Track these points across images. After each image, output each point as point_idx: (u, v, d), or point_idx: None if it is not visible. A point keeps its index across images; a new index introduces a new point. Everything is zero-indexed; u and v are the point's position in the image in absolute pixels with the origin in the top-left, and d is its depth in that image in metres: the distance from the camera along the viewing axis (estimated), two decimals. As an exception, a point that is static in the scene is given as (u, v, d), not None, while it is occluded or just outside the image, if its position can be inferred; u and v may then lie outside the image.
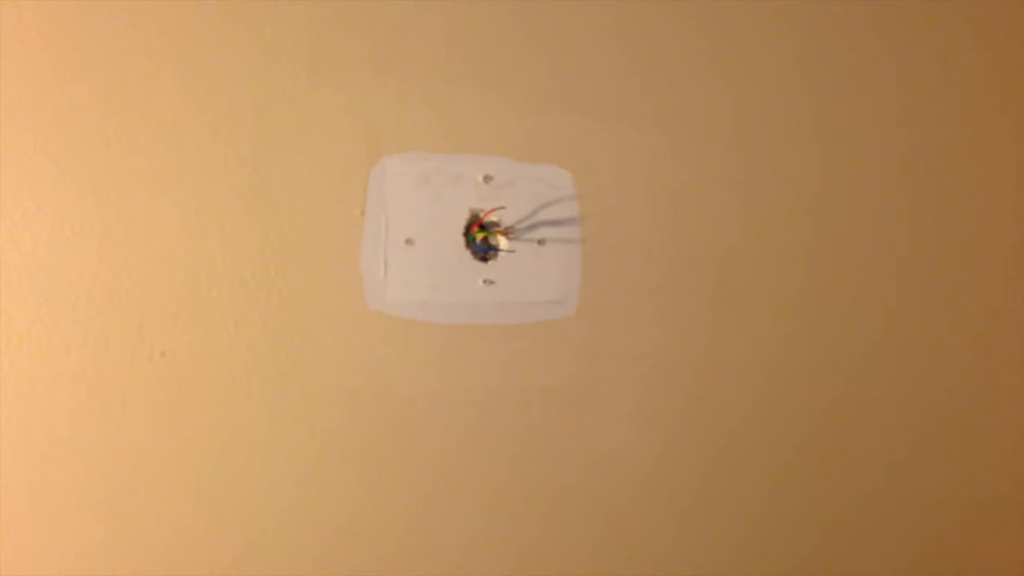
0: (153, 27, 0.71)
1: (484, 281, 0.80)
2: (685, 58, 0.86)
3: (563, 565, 0.85)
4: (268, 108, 0.74)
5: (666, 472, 0.88)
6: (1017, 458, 1.01)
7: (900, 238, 0.94)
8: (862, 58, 0.92)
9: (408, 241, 0.78)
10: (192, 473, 0.74)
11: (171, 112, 0.72)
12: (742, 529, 0.91)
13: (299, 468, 0.76)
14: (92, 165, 0.70)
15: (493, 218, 0.80)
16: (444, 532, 0.81)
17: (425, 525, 0.81)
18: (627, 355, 0.85)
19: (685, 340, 0.87)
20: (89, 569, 0.72)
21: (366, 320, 0.77)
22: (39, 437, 0.70)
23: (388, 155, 0.77)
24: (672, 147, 0.86)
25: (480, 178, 0.80)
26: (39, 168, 0.69)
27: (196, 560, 0.75)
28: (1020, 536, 1.03)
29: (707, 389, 0.88)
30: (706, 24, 0.86)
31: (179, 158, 0.72)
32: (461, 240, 0.80)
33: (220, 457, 0.74)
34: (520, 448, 0.83)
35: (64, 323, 0.70)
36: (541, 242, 0.82)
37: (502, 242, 0.81)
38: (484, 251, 0.80)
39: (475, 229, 0.79)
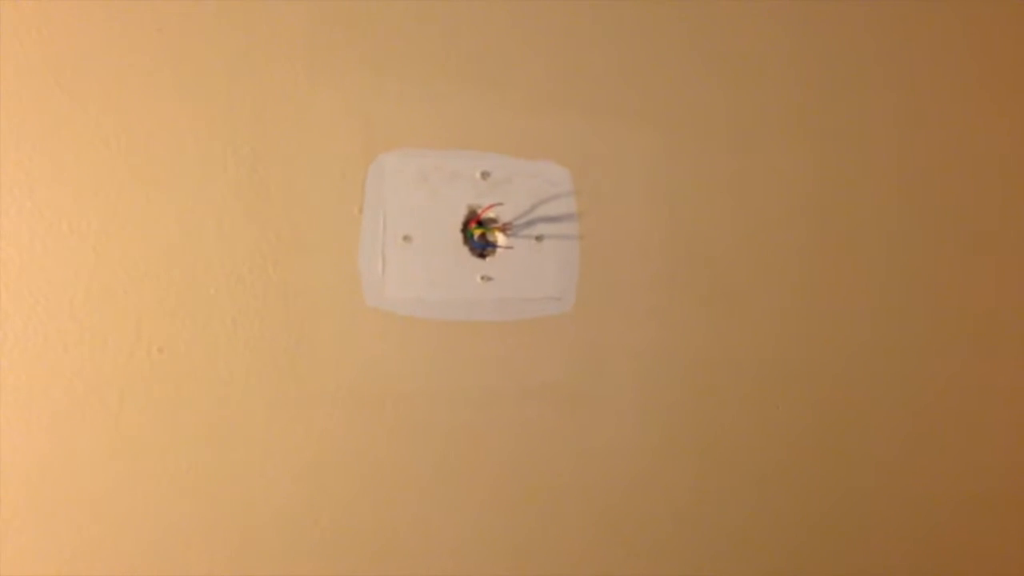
0: (151, 25, 0.71)
1: (482, 277, 0.80)
2: (683, 56, 0.86)
3: (560, 561, 0.85)
4: (266, 106, 0.74)
5: (662, 468, 0.88)
6: (1011, 455, 1.01)
7: (894, 237, 0.94)
8: (858, 58, 0.92)
9: (406, 238, 0.78)
10: (189, 470, 0.74)
11: (169, 110, 0.72)
12: (737, 525, 0.91)
13: (297, 465, 0.76)
14: (90, 162, 0.70)
15: (491, 214, 0.80)
16: (441, 528, 0.81)
17: (422, 521, 0.81)
18: (624, 351, 0.85)
19: (682, 337, 0.87)
20: (86, 566, 0.72)
21: (364, 317, 0.77)
22: (37, 434, 0.70)
23: (386, 152, 0.77)
24: (669, 145, 0.86)
25: (478, 174, 0.80)
26: (37, 166, 0.69)
27: (193, 557, 0.74)
28: (1015, 533, 1.03)
29: (703, 385, 0.88)
30: (703, 23, 0.86)
31: (177, 156, 0.72)
32: (459, 236, 0.80)
33: (218, 454, 0.74)
34: (517, 444, 0.83)
35: (61, 320, 0.70)
36: (539, 238, 0.82)
37: (500, 238, 0.81)
38: (482, 247, 0.81)
39: (473, 225, 0.80)
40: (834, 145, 0.92)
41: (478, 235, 0.80)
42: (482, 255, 0.81)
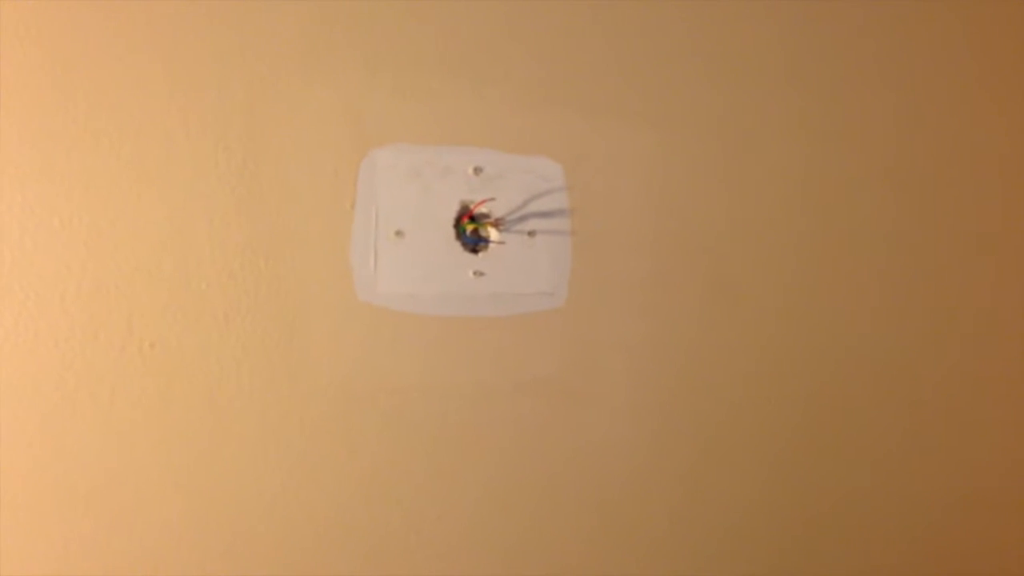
0: (141, 20, 0.71)
1: (474, 273, 0.80)
2: (676, 53, 0.86)
3: (554, 556, 0.85)
4: (257, 100, 0.74)
5: (655, 463, 0.88)
6: (1008, 452, 1.02)
7: (888, 233, 0.94)
8: (852, 56, 0.92)
9: (398, 233, 0.78)
10: (182, 465, 0.74)
11: (160, 105, 0.72)
12: (731, 519, 0.91)
13: (289, 460, 0.76)
14: (81, 158, 0.70)
15: (483, 210, 0.80)
16: (434, 524, 0.81)
17: (415, 517, 0.81)
18: (617, 346, 0.85)
19: (674, 332, 0.87)
20: (78, 561, 0.72)
21: (356, 312, 0.77)
22: (28, 430, 0.70)
23: (378, 147, 0.77)
24: (662, 141, 0.86)
25: (470, 170, 0.80)
26: (27, 161, 0.69)
27: (185, 553, 0.74)
28: (1011, 530, 1.03)
29: (696, 380, 0.88)
30: (698, 20, 0.87)
31: (168, 151, 0.72)
32: (451, 232, 0.80)
33: (210, 449, 0.74)
34: (510, 439, 0.83)
35: (53, 315, 0.70)
36: (531, 234, 0.82)
37: (492, 234, 0.81)
38: (474, 243, 0.81)
39: (465, 221, 0.80)
40: (828, 142, 0.92)
41: (471, 230, 0.80)
42: (475, 250, 0.81)
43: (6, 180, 0.69)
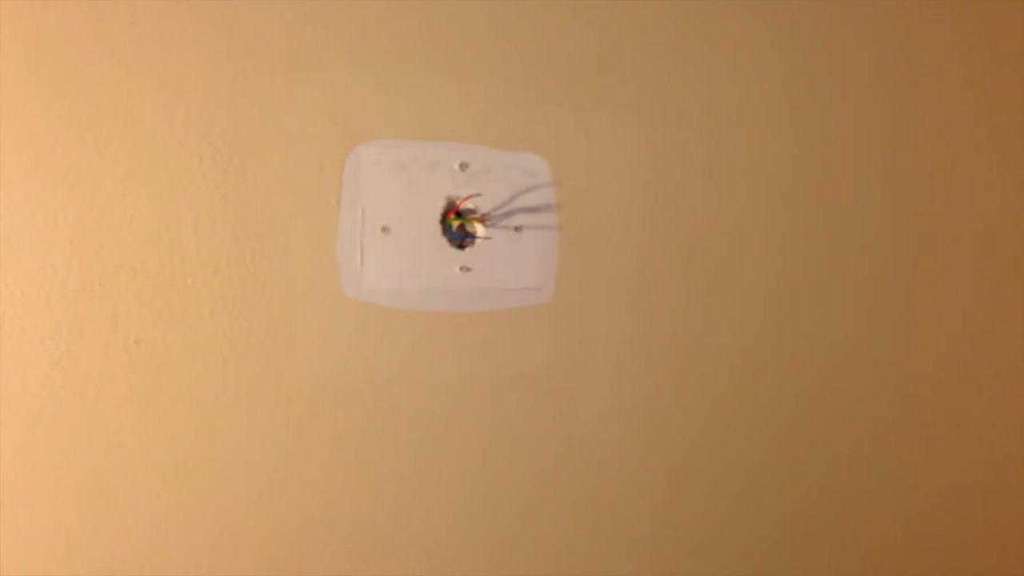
0: (126, 19, 0.71)
1: (461, 268, 0.81)
2: (662, 48, 0.86)
3: (540, 551, 0.86)
4: (242, 97, 0.74)
5: (642, 457, 0.88)
6: (995, 449, 1.02)
7: (875, 230, 0.95)
8: (837, 49, 0.92)
9: (384, 229, 0.78)
10: (168, 462, 0.74)
11: (145, 102, 0.72)
12: (718, 514, 0.91)
13: (275, 455, 0.76)
14: (65, 155, 0.70)
15: (469, 205, 0.80)
16: (422, 518, 0.81)
17: (403, 512, 0.81)
18: (603, 341, 0.85)
19: (661, 327, 0.87)
20: (65, 558, 0.72)
21: (342, 308, 0.77)
22: (13, 427, 0.70)
23: (363, 143, 0.77)
24: (648, 136, 0.86)
25: (456, 166, 0.80)
26: (12, 159, 0.69)
27: (172, 548, 0.74)
28: (997, 525, 1.03)
29: (682, 375, 0.89)
30: (684, 16, 0.87)
31: (153, 148, 0.72)
32: (437, 227, 0.80)
33: (196, 445, 0.74)
34: (497, 434, 0.83)
35: (38, 313, 0.70)
36: (518, 229, 0.82)
37: (478, 229, 0.81)
38: (460, 238, 0.81)
39: (451, 216, 0.80)
40: (814, 138, 0.92)
41: (457, 226, 0.80)
42: (461, 246, 0.81)
43: (-10, 178, 0.69)
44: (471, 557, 0.83)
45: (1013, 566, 1.04)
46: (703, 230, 0.88)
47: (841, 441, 0.95)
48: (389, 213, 0.78)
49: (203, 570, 0.75)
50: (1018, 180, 1.00)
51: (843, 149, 0.93)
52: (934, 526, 1.00)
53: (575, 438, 0.86)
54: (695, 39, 0.87)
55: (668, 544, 0.90)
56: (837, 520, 0.96)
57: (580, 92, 0.84)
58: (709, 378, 0.89)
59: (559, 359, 0.84)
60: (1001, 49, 0.99)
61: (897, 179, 0.95)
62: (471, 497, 0.83)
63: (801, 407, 0.93)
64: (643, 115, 0.86)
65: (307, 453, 0.77)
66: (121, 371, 0.72)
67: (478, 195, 0.80)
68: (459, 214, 0.80)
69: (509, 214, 0.82)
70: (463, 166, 0.80)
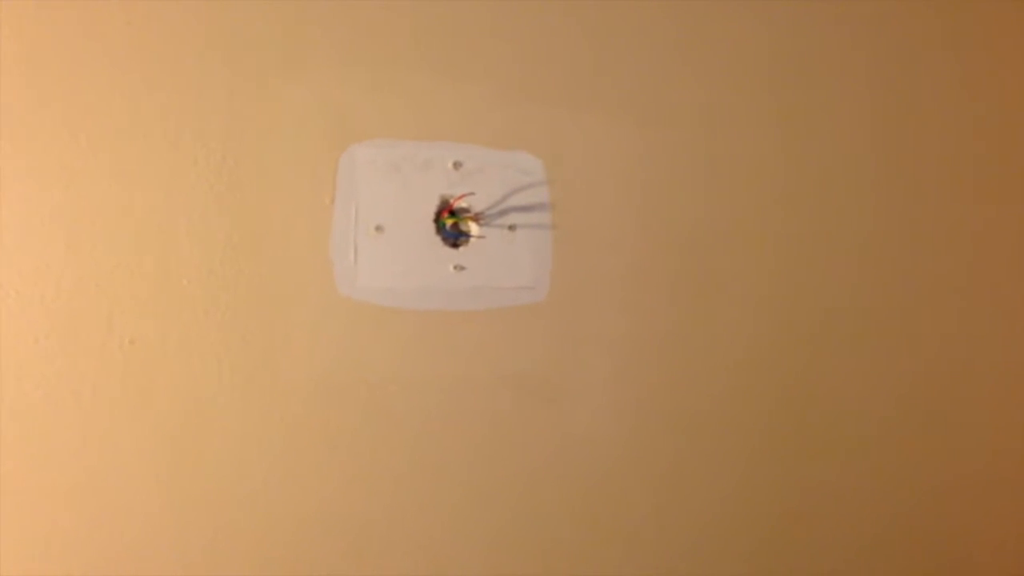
0: (120, 18, 0.71)
1: (455, 267, 0.81)
2: (657, 47, 0.86)
3: (534, 549, 0.86)
4: (236, 97, 0.74)
5: (636, 456, 0.88)
6: (991, 446, 1.02)
7: (868, 229, 0.94)
8: (832, 50, 0.92)
9: (378, 228, 0.78)
10: (162, 461, 0.74)
11: (139, 102, 0.72)
12: (713, 512, 0.92)
13: (270, 455, 0.77)
14: (60, 155, 0.70)
15: (463, 204, 0.80)
16: (416, 517, 0.82)
17: (397, 510, 0.81)
18: (598, 340, 0.85)
19: (655, 326, 0.87)
20: (60, 557, 0.72)
21: (336, 307, 0.77)
22: (8, 426, 0.70)
23: (357, 142, 0.77)
24: (642, 135, 0.86)
25: (450, 164, 0.80)
26: (7, 160, 0.69)
27: (167, 548, 0.75)
28: (994, 522, 1.03)
29: (677, 375, 0.89)
30: (678, 15, 0.87)
31: (147, 148, 0.72)
32: (431, 226, 0.80)
33: (190, 445, 0.74)
34: (491, 433, 0.83)
35: (33, 312, 0.70)
36: (512, 228, 0.82)
37: (472, 228, 0.81)
38: (454, 237, 0.81)
39: (445, 215, 0.80)
40: (807, 137, 0.92)
41: (450, 224, 0.80)
42: (455, 244, 0.81)
43: (-15, 178, 0.69)
44: (465, 556, 0.83)
45: (1009, 564, 1.04)
46: (698, 229, 0.88)
47: (835, 441, 0.95)
48: (383, 212, 0.79)
49: (198, 570, 0.75)
50: (1016, 179, 1.00)
51: (837, 149, 0.93)
52: (930, 525, 1.00)
53: (569, 437, 0.86)
54: (689, 38, 0.87)
55: (662, 542, 0.90)
56: (831, 520, 0.96)
57: (574, 91, 0.84)
58: (703, 377, 0.89)
59: (553, 358, 0.84)
60: (998, 48, 0.99)
61: (893, 179, 0.95)
62: (465, 496, 0.83)
63: (796, 406, 0.93)
64: (637, 114, 0.86)
65: (301, 452, 0.77)
66: (116, 371, 0.72)
67: (472, 194, 0.80)
68: (453, 213, 0.80)
69: (503, 213, 0.82)
70: (457, 165, 0.80)
